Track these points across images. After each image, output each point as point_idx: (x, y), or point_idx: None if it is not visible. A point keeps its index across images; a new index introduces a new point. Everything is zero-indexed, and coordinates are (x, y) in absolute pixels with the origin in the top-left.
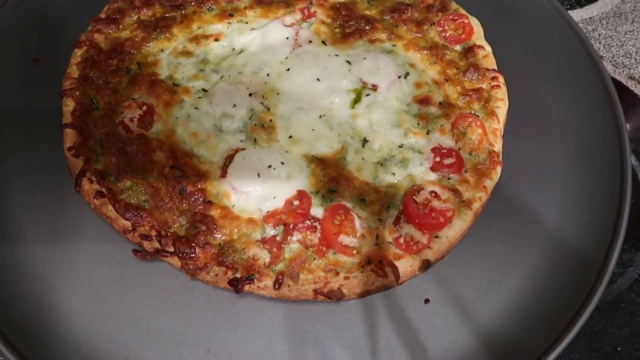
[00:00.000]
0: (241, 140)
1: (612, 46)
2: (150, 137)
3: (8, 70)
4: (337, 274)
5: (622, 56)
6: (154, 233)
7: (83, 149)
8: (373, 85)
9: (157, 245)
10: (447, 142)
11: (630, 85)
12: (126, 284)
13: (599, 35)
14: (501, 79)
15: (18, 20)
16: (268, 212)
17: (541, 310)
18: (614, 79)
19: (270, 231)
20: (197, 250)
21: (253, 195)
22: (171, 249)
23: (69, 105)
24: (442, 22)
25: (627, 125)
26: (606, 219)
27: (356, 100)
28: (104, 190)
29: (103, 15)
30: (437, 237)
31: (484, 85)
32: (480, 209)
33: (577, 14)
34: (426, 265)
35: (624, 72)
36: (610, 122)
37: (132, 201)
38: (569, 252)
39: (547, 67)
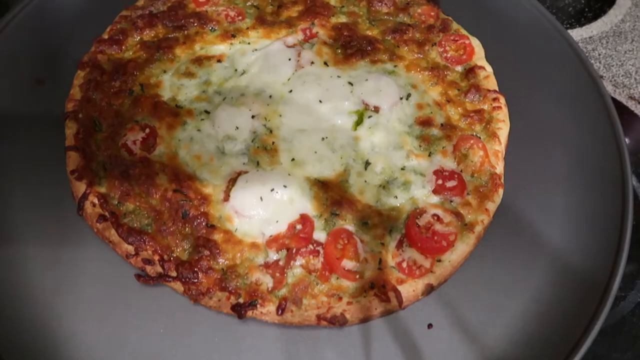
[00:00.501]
0: (244, 163)
1: (612, 66)
2: (153, 159)
3: (11, 91)
4: (340, 299)
5: (622, 76)
6: (156, 257)
7: (86, 172)
8: (375, 107)
9: (159, 269)
10: (449, 164)
11: (631, 105)
12: (128, 308)
13: (599, 54)
14: (502, 100)
15: (21, 41)
16: (271, 236)
17: (545, 335)
18: (614, 99)
19: (273, 255)
20: (200, 275)
21: (256, 219)
22: (174, 274)
23: (71, 127)
24: (443, 42)
25: (627, 141)
26: (608, 241)
27: (358, 122)
28: (106, 213)
29: (106, 36)
30: (439, 260)
31: (485, 107)
32: (482, 231)
33: (577, 33)
34: (429, 289)
35: (624, 92)
36: (611, 143)
37: (135, 225)
38: (571, 275)
39: (548, 87)
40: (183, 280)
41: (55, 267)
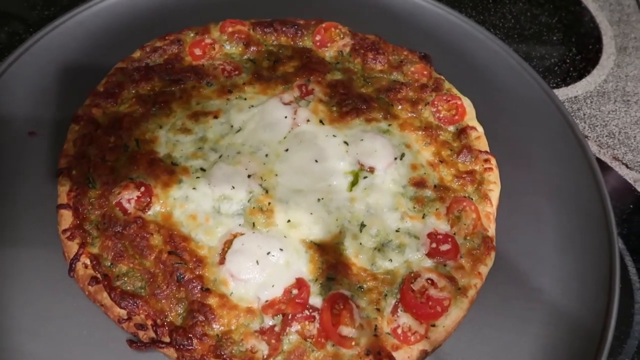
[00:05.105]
0: (240, 224)
1: (597, 126)
2: (148, 219)
3: (3, 145)
4: None
5: (606, 136)
6: (149, 322)
7: (78, 231)
8: (370, 168)
9: (152, 335)
10: (443, 226)
11: (615, 166)
12: None
13: (584, 114)
14: (493, 162)
15: (15, 92)
16: (267, 301)
17: None
18: (599, 160)
19: (268, 321)
20: (195, 341)
21: (252, 283)
22: (167, 340)
23: (64, 184)
24: (435, 102)
25: (609, 197)
26: (597, 306)
27: (354, 183)
28: (99, 275)
29: (101, 89)
30: (433, 325)
31: (477, 167)
32: (475, 295)
33: (563, 93)
34: (423, 355)
35: (608, 153)
36: (597, 205)
37: (128, 288)
38: (563, 339)
39: (536, 147)
40: (177, 346)
41: (44, 332)
